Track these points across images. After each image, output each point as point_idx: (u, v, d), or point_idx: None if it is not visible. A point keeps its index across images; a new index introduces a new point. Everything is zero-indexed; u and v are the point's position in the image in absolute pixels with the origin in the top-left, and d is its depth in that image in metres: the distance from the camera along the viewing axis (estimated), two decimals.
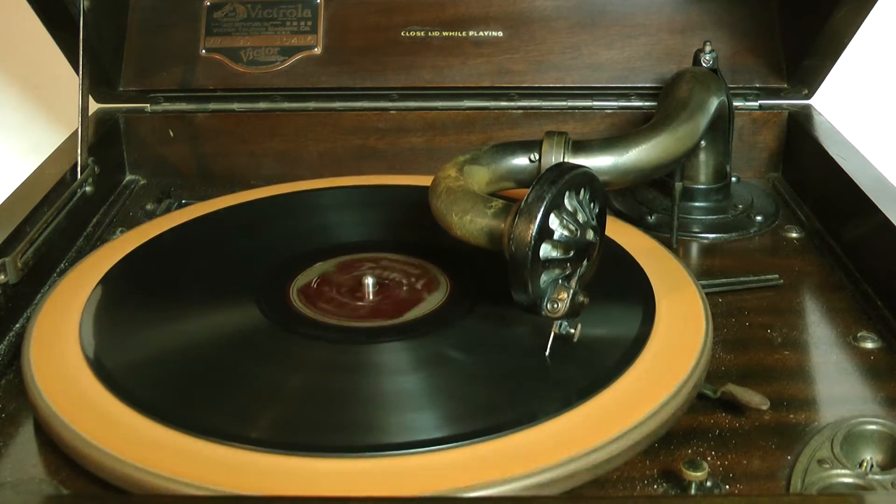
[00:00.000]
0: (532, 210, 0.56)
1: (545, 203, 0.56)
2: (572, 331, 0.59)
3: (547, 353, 0.59)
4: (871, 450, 0.55)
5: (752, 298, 0.71)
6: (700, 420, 0.58)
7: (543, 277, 0.58)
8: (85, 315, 0.64)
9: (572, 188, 0.59)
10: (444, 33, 0.94)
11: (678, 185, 0.77)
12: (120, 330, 0.64)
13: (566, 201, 0.58)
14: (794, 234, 0.81)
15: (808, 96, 0.93)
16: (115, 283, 0.69)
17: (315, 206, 0.82)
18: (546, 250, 0.57)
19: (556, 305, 0.58)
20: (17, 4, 0.94)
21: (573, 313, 0.58)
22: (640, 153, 0.71)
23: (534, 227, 0.56)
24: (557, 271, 0.58)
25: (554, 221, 0.57)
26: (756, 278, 0.73)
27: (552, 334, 0.59)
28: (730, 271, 0.75)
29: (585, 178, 0.60)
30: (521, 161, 0.70)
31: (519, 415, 0.54)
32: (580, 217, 0.59)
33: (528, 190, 0.57)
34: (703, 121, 0.76)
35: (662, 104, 0.79)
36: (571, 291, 0.58)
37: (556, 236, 0.57)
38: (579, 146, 0.71)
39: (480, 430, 0.52)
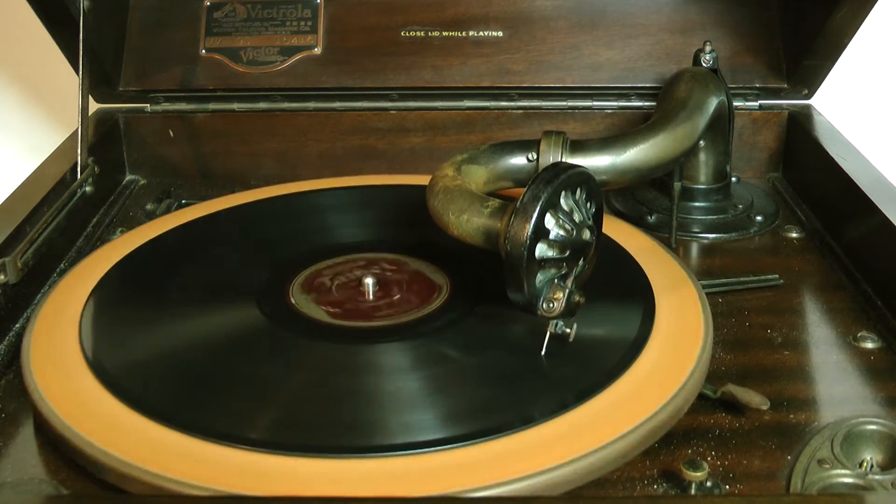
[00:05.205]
0: (528, 209, 0.56)
1: (541, 202, 0.56)
2: (568, 330, 0.59)
3: (542, 353, 0.59)
4: (871, 450, 0.55)
5: (752, 298, 0.71)
6: (700, 420, 0.58)
7: (539, 277, 0.58)
8: (85, 315, 0.64)
9: (568, 188, 0.58)
10: (444, 33, 0.94)
11: (677, 185, 0.77)
12: (120, 330, 0.64)
13: (562, 201, 0.58)
14: (794, 234, 0.81)
15: (808, 96, 0.93)
16: (115, 283, 0.69)
17: (315, 206, 0.82)
18: (542, 250, 0.57)
19: (551, 305, 0.58)
20: (17, 4, 0.94)
21: (569, 313, 0.58)
22: (637, 153, 0.71)
23: (529, 227, 0.56)
24: (553, 271, 0.58)
25: (550, 221, 0.57)
26: (756, 278, 0.73)
27: (548, 334, 0.59)
28: (730, 271, 0.75)
29: (582, 178, 0.60)
30: (518, 160, 0.70)
31: (519, 415, 0.54)
32: (576, 217, 0.59)
33: (525, 189, 0.57)
34: (702, 121, 0.75)
35: (661, 104, 0.79)
36: (567, 291, 0.58)
37: (551, 236, 0.57)
38: (577, 146, 0.71)
39: (480, 430, 0.52)
